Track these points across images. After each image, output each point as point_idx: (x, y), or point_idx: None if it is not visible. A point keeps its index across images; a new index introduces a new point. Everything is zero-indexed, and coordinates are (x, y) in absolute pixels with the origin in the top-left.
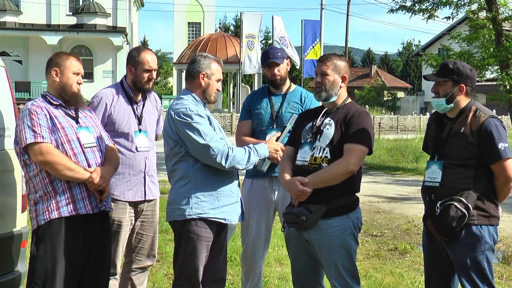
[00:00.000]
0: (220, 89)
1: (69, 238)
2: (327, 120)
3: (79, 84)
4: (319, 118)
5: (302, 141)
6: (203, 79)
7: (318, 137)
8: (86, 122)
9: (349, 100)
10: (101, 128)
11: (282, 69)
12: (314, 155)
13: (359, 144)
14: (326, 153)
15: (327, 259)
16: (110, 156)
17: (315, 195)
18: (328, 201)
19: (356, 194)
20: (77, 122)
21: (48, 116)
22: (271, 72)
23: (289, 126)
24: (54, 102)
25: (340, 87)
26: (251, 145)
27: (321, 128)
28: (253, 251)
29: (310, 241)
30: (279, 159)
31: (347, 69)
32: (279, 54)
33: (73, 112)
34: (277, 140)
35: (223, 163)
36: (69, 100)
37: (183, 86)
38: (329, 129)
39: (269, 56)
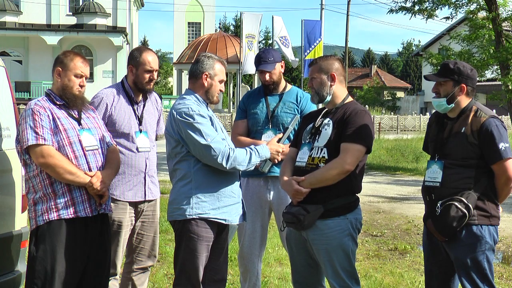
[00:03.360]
0: (223, 90)
1: (68, 239)
2: (326, 120)
3: (81, 86)
4: (318, 119)
5: (302, 142)
6: (206, 80)
7: (316, 138)
8: (88, 123)
9: (350, 99)
10: (103, 129)
11: (274, 74)
12: (312, 156)
13: (355, 143)
14: (324, 153)
15: (325, 260)
16: (111, 158)
17: (313, 195)
18: (326, 202)
19: (356, 194)
20: (80, 124)
21: (51, 117)
22: (263, 78)
23: (290, 128)
24: (58, 102)
25: (331, 85)
26: (252, 146)
27: (320, 129)
28: (249, 251)
29: (308, 241)
30: (279, 160)
31: (338, 67)
32: (270, 59)
33: (76, 113)
34: (278, 141)
35: (224, 164)
36: (68, 102)
37: (183, 86)
38: (327, 129)
39: (260, 62)
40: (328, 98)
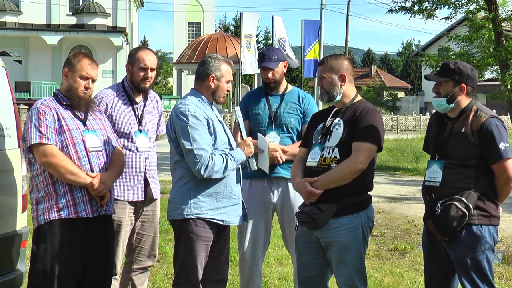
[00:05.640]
0: (230, 90)
1: (69, 239)
2: (336, 120)
3: (87, 88)
4: (328, 119)
5: (313, 142)
6: (212, 81)
7: (328, 138)
8: (94, 125)
9: (359, 98)
10: (110, 131)
11: (276, 73)
12: (324, 156)
13: (367, 142)
14: (335, 153)
15: (337, 258)
16: (115, 160)
17: (326, 194)
18: (339, 200)
19: (368, 192)
20: (85, 125)
21: (56, 117)
22: (265, 75)
23: (239, 120)
24: (64, 103)
25: (341, 85)
26: (227, 152)
27: (331, 129)
28: (253, 253)
29: (320, 240)
30: (254, 150)
31: (347, 67)
32: (274, 57)
33: (82, 114)
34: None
35: (201, 171)
36: (72, 103)
37: (183, 86)
38: (338, 129)
39: (264, 59)
40: (338, 98)
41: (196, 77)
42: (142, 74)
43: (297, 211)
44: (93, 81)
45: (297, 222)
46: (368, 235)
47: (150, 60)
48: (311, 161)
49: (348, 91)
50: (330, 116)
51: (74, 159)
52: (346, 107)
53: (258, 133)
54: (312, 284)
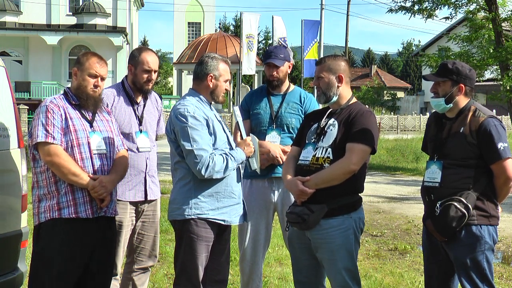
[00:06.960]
0: (229, 89)
1: (68, 238)
2: (331, 121)
3: (95, 86)
4: (323, 119)
5: (307, 141)
6: (211, 81)
7: (321, 138)
8: (100, 126)
9: (354, 100)
10: (116, 133)
11: (280, 71)
12: (316, 155)
13: (361, 143)
14: (329, 153)
15: (328, 259)
16: (118, 163)
17: (317, 194)
18: (330, 201)
19: (359, 194)
20: (91, 126)
21: (63, 117)
22: (269, 72)
23: (238, 119)
24: (73, 102)
25: (338, 86)
26: (227, 152)
27: (325, 129)
28: (253, 253)
29: (311, 241)
30: (253, 150)
31: (345, 68)
32: (281, 55)
33: (90, 115)
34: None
35: (202, 172)
36: (81, 102)
37: (183, 86)
38: (333, 130)
39: (270, 56)
40: (335, 99)
41: (194, 77)
42: (146, 76)
43: (288, 211)
44: (102, 79)
45: (288, 222)
46: (360, 235)
47: (153, 62)
48: (304, 160)
49: (344, 93)
50: (325, 117)
51: (78, 160)
52: (341, 108)
53: (251, 134)
54: (309, 284)
